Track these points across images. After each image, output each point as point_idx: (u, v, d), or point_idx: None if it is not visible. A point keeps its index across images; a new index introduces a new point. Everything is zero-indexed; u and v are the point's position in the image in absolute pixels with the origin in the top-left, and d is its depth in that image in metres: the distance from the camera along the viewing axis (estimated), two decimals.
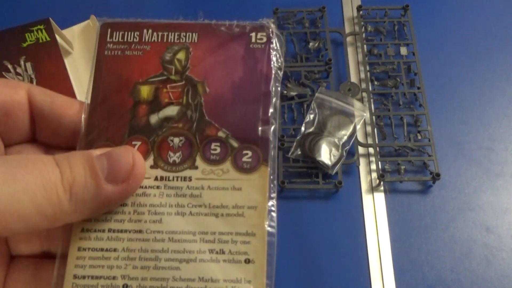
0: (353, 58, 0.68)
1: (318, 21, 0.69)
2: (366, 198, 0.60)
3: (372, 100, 0.64)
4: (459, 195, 0.60)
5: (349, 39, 0.69)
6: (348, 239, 0.57)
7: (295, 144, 0.60)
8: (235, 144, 0.22)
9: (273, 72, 0.23)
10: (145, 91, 0.23)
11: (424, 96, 0.64)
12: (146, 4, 0.73)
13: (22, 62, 0.59)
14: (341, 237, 0.57)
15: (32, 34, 0.61)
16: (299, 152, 0.60)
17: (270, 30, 0.24)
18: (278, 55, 0.23)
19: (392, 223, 0.58)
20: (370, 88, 0.65)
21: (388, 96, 0.65)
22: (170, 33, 0.25)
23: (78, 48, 0.67)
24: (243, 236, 0.22)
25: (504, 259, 0.56)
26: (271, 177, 0.22)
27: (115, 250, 0.22)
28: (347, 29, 0.70)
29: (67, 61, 0.63)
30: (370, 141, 0.62)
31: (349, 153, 0.60)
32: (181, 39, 0.24)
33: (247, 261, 0.22)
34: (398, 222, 0.58)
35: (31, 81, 0.58)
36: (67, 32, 0.67)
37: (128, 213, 0.22)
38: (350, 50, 0.69)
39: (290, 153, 0.60)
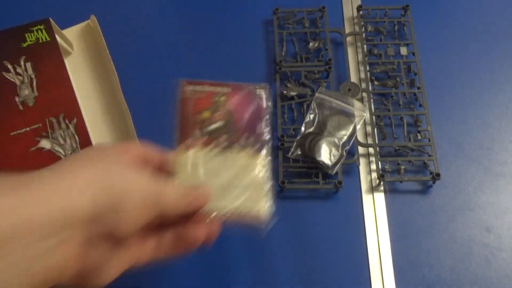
0: (353, 58, 0.68)
1: (318, 21, 0.69)
2: (366, 198, 0.60)
3: (372, 100, 0.64)
4: (459, 195, 0.60)
5: (349, 39, 0.69)
6: (348, 239, 0.57)
7: (295, 144, 0.60)
8: (251, 141, 0.46)
9: (268, 110, 0.48)
10: (207, 114, 0.46)
11: (424, 96, 0.64)
12: (145, 4, 0.73)
13: (22, 62, 0.59)
14: (341, 237, 0.57)
15: (32, 34, 0.60)
16: (299, 152, 0.60)
17: (266, 89, 0.48)
18: (269, 101, 0.48)
19: (392, 223, 0.58)
20: (370, 88, 0.65)
21: (388, 96, 0.65)
22: (217, 87, 0.48)
23: (78, 48, 0.67)
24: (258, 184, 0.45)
25: (504, 259, 0.56)
26: (269, 158, 0.46)
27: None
28: (347, 29, 0.70)
29: (67, 61, 0.63)
30: (370, 141, 0.62)
31: (349, 153, 0.60)
32: (221, 90, 0.47)
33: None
34: (398, 222, 0.58)
35: (31, 81, 0.58)
36: (67, 32, 0.67)
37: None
38: (350, 50, 0.69)
39: (290, 153, 0.60)
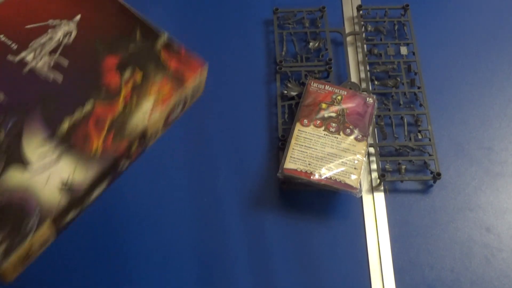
0: (353, 57, 0.68)
1: (318, 21, 0.69)
2: (366, 198, 0.60)
3: None
4: (459, 195, 0.60)
5: (349, 39, 0.69)
6: (348, 239, 0.57)
7: None
8: (355, 131, 0.59)
9: (374, 112, 0.61)
10: (324, 105, 0.60)
11: (425, 95, 0.64)
12: (145, 4, 0.73)
13: None
14: (341, 237, 0.57)
15: None
16: None
17: (374, 98, 0.61)
18: (375, 106, 0.61)
19: (392, 223, 0.58)
20: (371, 88, 0.65)
21: (388, 96, 0.65)
22: (335, 89, 0.61)
23: None
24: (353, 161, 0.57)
25: (504, 259, 0.56)
26: (367, 143, 0.59)
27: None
28: (347, 29, 0.70)
29: None
30: (370, 140, 0.62)
31: None
32: (340, 92, 0.61)
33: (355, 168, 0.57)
34: (398, 222, 0.58)
35: None
36: None
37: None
38: (350, 50, 0.69)
39: None
